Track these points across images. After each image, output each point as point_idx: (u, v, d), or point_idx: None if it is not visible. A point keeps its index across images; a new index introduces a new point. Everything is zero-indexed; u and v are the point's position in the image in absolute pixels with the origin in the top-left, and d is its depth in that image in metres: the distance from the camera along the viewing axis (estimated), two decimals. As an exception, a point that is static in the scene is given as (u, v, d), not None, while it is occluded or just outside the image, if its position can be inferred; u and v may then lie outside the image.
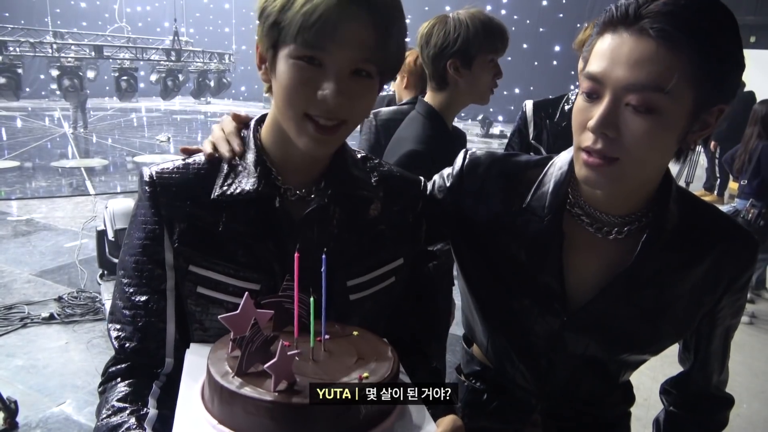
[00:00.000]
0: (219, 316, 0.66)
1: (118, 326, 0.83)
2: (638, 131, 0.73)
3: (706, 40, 0.71)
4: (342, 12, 0.70)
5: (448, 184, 1.02)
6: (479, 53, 1.62)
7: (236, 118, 0.91)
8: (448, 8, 1.73)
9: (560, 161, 0.95)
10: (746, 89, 7.30)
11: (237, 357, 0.64)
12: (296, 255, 0.68)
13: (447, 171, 1.04)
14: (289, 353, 0.60)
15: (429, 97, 1.74)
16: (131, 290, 0.83)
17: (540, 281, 0.93)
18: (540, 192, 0.94)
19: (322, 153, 0.82)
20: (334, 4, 0.70)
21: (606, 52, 0.74)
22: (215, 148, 0.86)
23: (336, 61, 0.73)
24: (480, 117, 16.05)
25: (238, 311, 0.66)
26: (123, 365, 0.83)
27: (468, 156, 1.02)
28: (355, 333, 0.75)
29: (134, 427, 0.75)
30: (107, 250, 3.82)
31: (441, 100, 1.71)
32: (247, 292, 0.69)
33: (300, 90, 0.74)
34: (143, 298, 0.82)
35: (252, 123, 0.89)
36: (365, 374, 0.64)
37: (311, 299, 0.66)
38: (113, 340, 0.83)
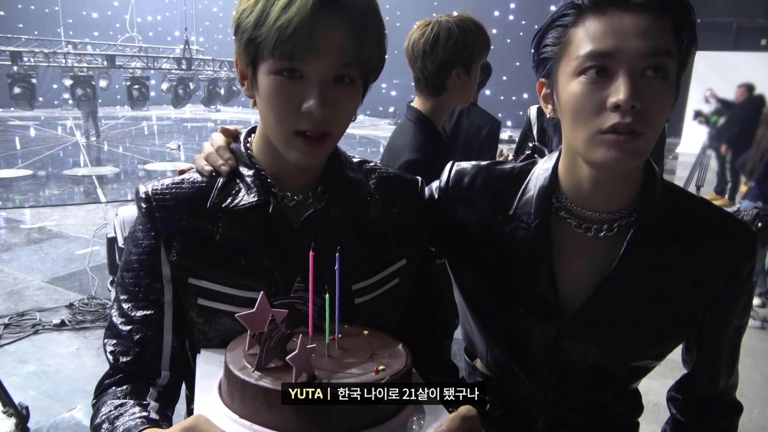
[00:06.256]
0: (236, 315, 0.67)
1: (114, 341, 0.83)
2: (659, 97, 0.76)
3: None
4: (316, 20, 0.70)
5: (436, 197, 1.03)
6: (477, 58, 1.64)
7: (225, 132, 0.92)
8: (456, 14, 1.72)
9: (540, 167, 0.96)
10: (756, 93, 7.26)
11: (254, 354, 0.65)
12: (311, 253, 0.69)
13: (435, 184, 1.04)
14: (308, 346, 0.61)
15: (419, 102, 1.72)
16: (128, 306, 0.83)
17: (533, 289, 0.92)
18: (525, 198, 0.94)
19: (313, 164, 0.82)
20: (308, 14, 0.69)
21: (608, 30, 0.76)
22: (208, 163, 0.86)
23: (316, 70, 0.72)
24: (488, 123, 16.03)
25: (254, 309, 0.67)
26: (117, 376, 0.83)
27: (453, 168, 1.02)
28: (366, 332, 0.76)
29: (138, 411, 0.74)
30: (117, 256, 3.83)
31: (432, 105, 1.69)
32: (262, 291, 0.69)
33: (285, 106, 0.74)
34: (141, 313, 0.82)
35: (242, 135, 0.89)
36: (381, 366, 0.65)
37: (326, 296, 0.67)
38: (108, 355, 0.83)
